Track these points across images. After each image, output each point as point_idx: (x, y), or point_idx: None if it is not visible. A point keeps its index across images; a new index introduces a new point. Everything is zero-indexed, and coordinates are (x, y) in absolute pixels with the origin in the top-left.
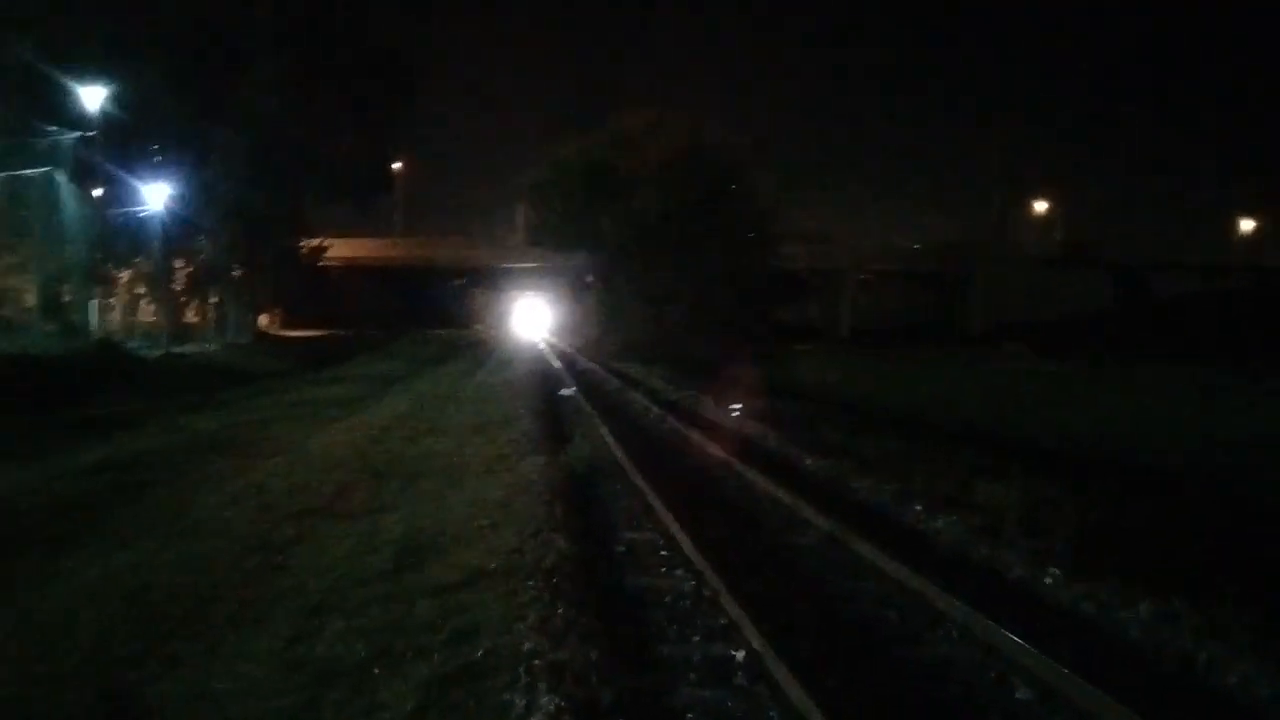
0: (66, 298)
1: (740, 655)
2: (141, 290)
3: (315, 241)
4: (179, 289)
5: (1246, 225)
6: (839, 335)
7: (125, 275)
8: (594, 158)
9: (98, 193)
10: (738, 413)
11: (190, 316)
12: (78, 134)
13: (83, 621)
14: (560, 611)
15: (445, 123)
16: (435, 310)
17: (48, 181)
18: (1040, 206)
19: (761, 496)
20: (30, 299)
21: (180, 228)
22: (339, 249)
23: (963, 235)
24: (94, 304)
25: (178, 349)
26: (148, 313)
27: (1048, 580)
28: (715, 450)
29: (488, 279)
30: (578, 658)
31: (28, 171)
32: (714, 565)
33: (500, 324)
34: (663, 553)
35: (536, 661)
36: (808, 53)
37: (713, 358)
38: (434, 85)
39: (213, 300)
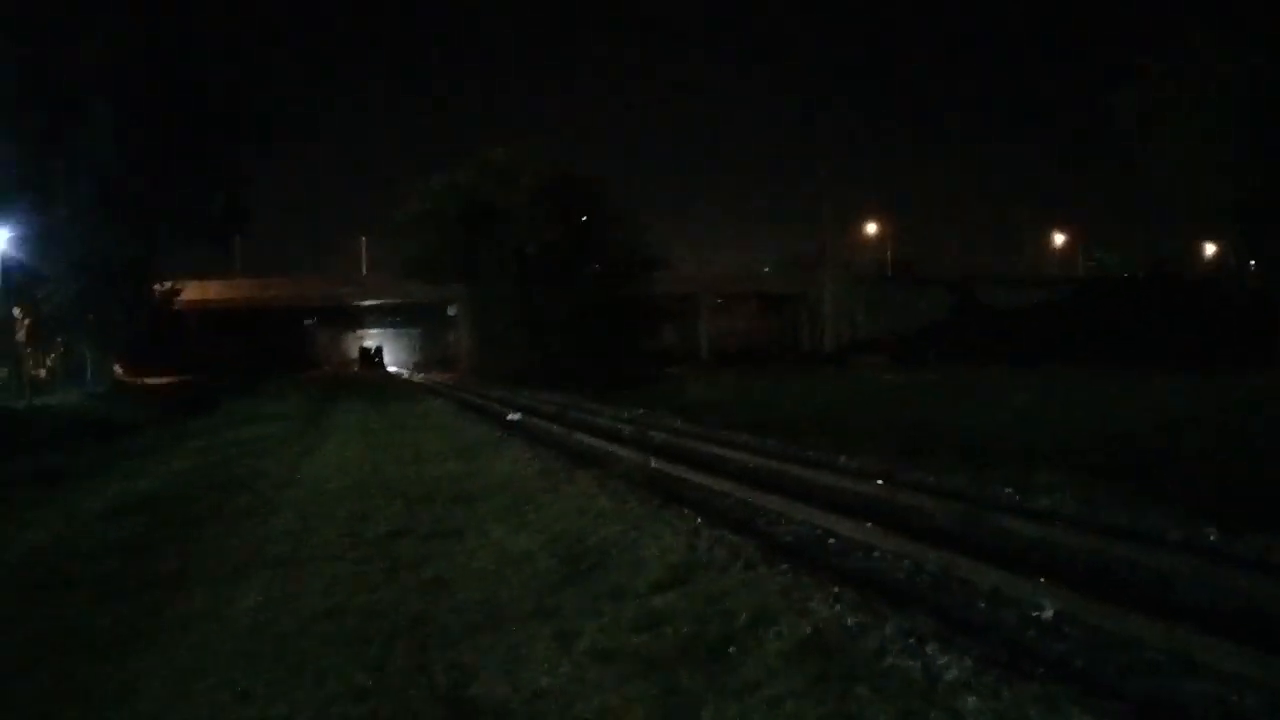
0: None
1: None
2: None
3: (168, 285)
4: (21, 339)
5: (1059, 239)
6: (700, 358)
7: None
8: (467, 189)
9: None
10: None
11: (37, 367)
12: None
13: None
14: None
15: (285, 157)
16: (289, 351)
17: None
18: (870, 227)
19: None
20: None
21: (23, 274)
22: (188, 291)
23: (799, 255)
24: None
25: (39, 400)
26: None
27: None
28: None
29: (340, 317)
30: None
31: None
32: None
33: (362, 362)
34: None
35: None
36: (644, 80)
37: (602, 381)
38: (278, 121)
39: (59, 350)
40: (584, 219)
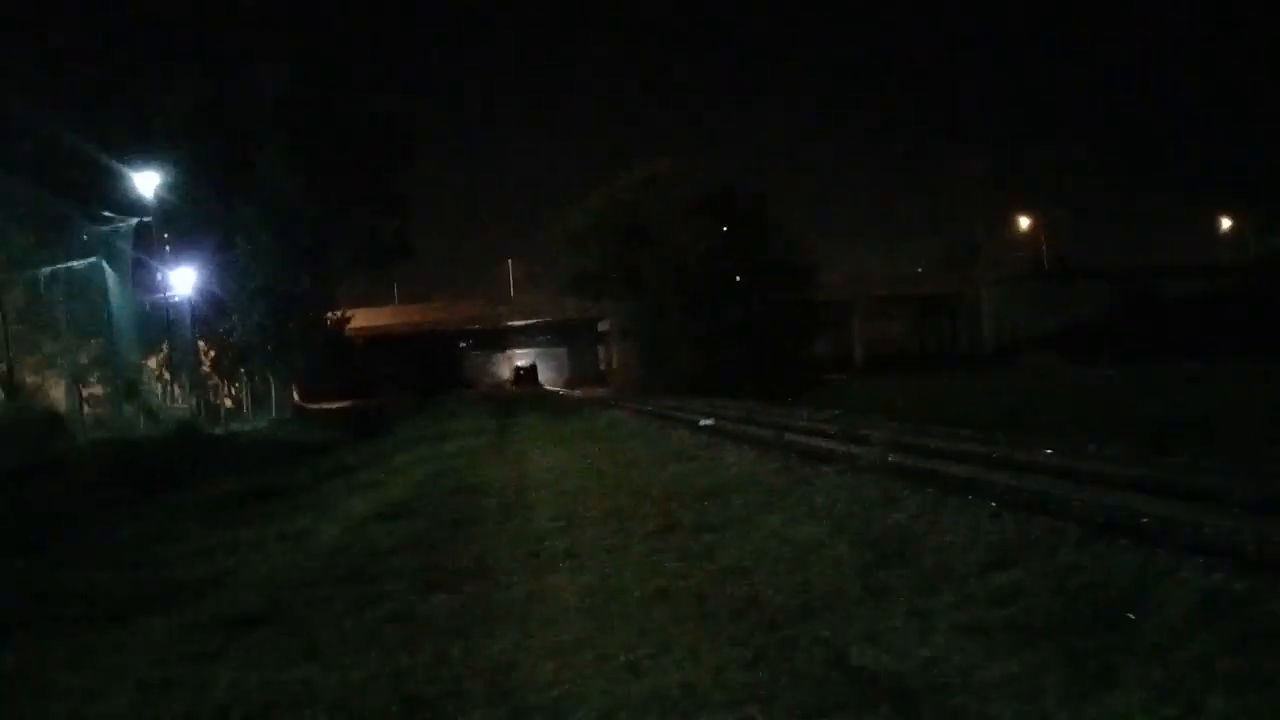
0: (146, 384)
1: None
2: (167, 375)
3: (339, 313)
4: (207, 370)
5: (1225, 224)
6: (854, 364)
7: (152, 361)
8: (627, 205)
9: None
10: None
11: (222, 396)
12: (135, 220)
13: None
14: None
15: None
16: (445, 373)
17: (94, 271)
18: (1024, 222)
19: None
20: (57, 392)
21: (210, 309)
22: (356, 319)
23: (952, 255)
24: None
25: (235, 427)
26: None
27: None
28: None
29: (490, 338)
30: None
31: (76, 264)
32: None
33: (517, 379)
34: None
35: None
36: (786, 84)
37: (765, 389)
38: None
39: (243, 379)
40: (742, 230)
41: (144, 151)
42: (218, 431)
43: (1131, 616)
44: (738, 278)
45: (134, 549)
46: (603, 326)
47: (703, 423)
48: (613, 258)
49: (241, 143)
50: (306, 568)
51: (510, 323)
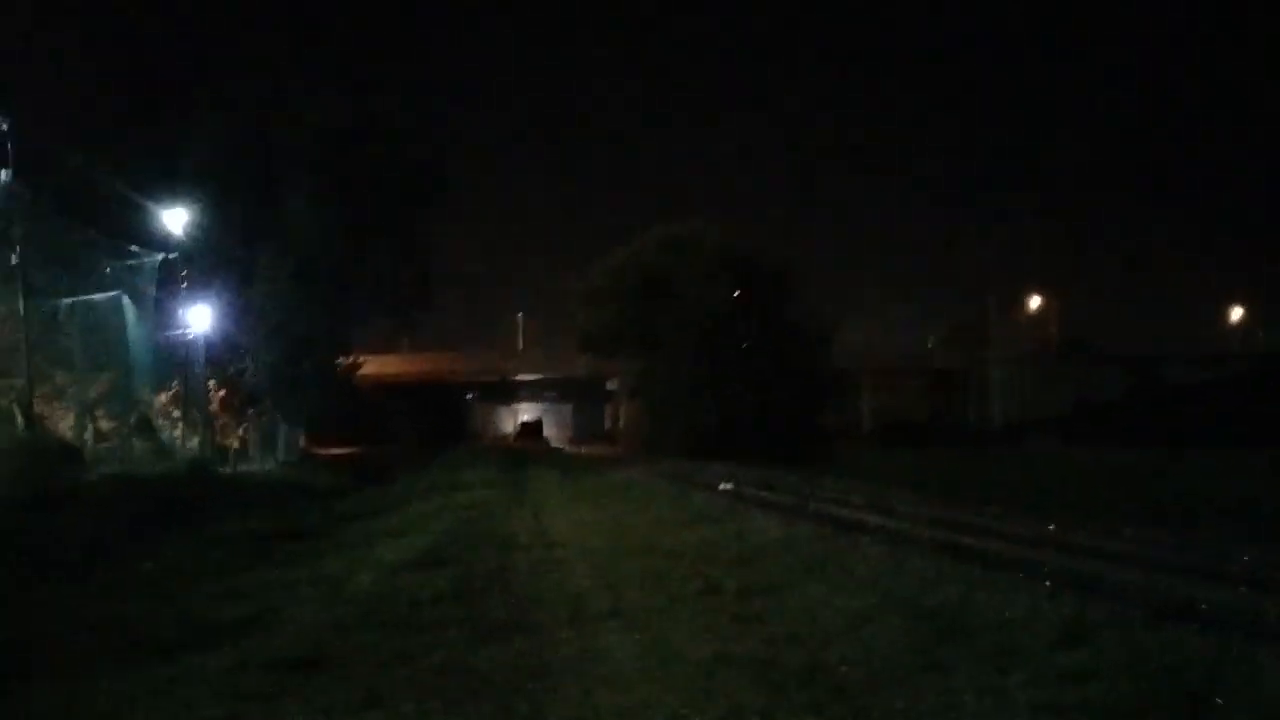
0: (159, 420)
1: None
2: (176, 413)
3: (352, 359)
4: (215, 409)
5: (1236, 313)
6: (860, 433)
7: (162, 397)
8: (645, 263)
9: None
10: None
11: (230, 436)
12: (161, 256)
13: None
14: None
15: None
16: (451, 423)
17: (114, 305)
18: (1034, 302)
19: None
20: (64, 424)
21: (223, 348)
22: (366, 366)
23: (959, 327)
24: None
25: (243, 468)
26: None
27: None
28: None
29: (495, 392)
30: None
31: (97, 296)
32: None
33: (523, 434)
34: None
35: None
36: (808, 149)
37: (776, 454)
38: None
39: (251, 420)
40: (763, 293)
41: (169, 188)
42: (227, 471)
43: (1220, 701)
44: (755, 341)
45: (164, 584)
46: (611, 385)
47: (722, 486)
48: (630, 315)
49: (268, 183)
50: (346, 613)
51: (517, 377)
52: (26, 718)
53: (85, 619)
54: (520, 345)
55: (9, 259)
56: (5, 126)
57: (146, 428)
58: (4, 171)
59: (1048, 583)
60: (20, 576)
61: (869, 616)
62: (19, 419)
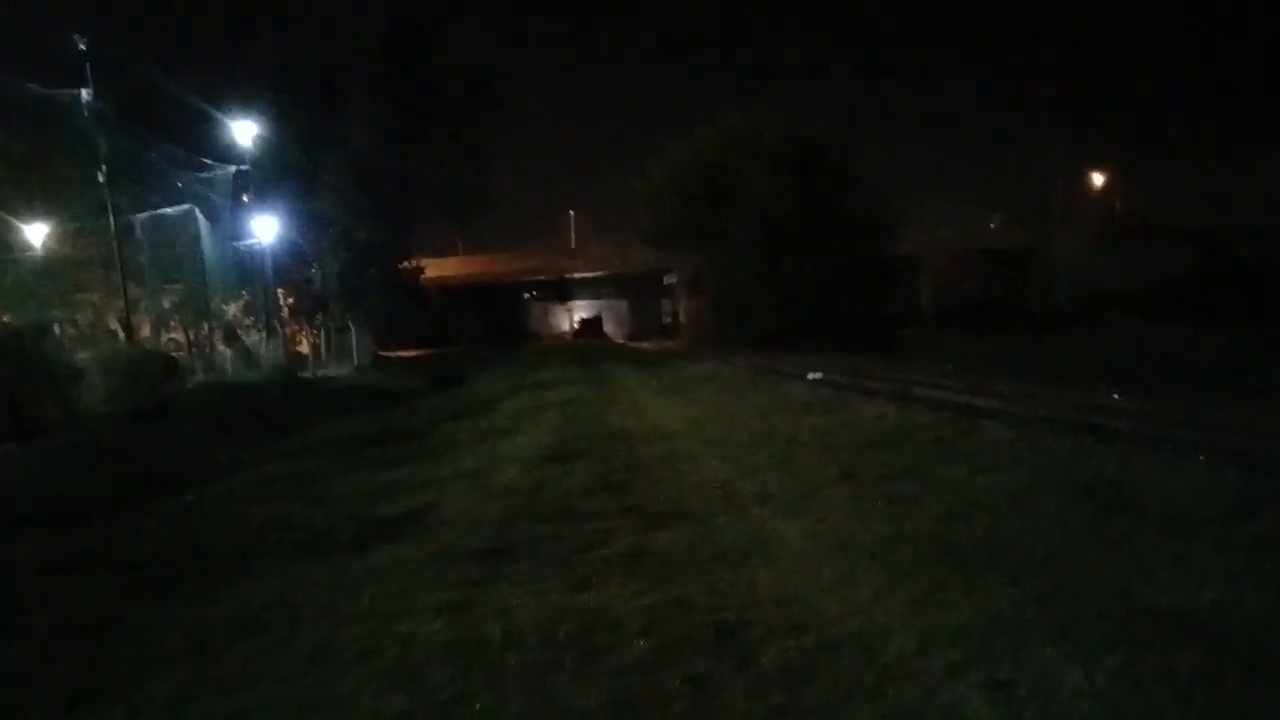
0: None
1: None
2: (248, 321)
3: (415, 263)
4: (285, 317)
5: None
6: (924, 320)
7: (232, 307)
8: (709, 157)
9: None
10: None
11: (299, 343)
12: (234, 168)
13: None
14: None
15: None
16: (509, 323)
17: (188, 218)
18: (1098, 179)
19: None
20: (142, 338)
21: (291, 257)
22: (429, 269)
23: (1023, 209)
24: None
25: (320, 373)
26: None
27: None
28: None
29: (551, 291)
30: None
31: (169, 210)
32: None
33: (583, 330)
34: None
35: None
36: (853, 41)
37: (844, 344)
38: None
39: (320, 325)
40: (827, 183)
41: (236, 102)
42: (308, 376)
43: None
44: (820, 231)
45: (302, 486)
46: (669, 280)
47: (810, 376)
48: (693, 210)
49: (327, 93)
50: (507, 506)
51: (573, 275)
52: (246, 609)
53: (249, 521)
54: (573, 243)
55: (92, 175)
56: (84, 46)
57: (233, 336)
58: (85, 90)
59: (1201, 457)
60: (153, 484)
61: (1026, 494)
62: (120, 333)
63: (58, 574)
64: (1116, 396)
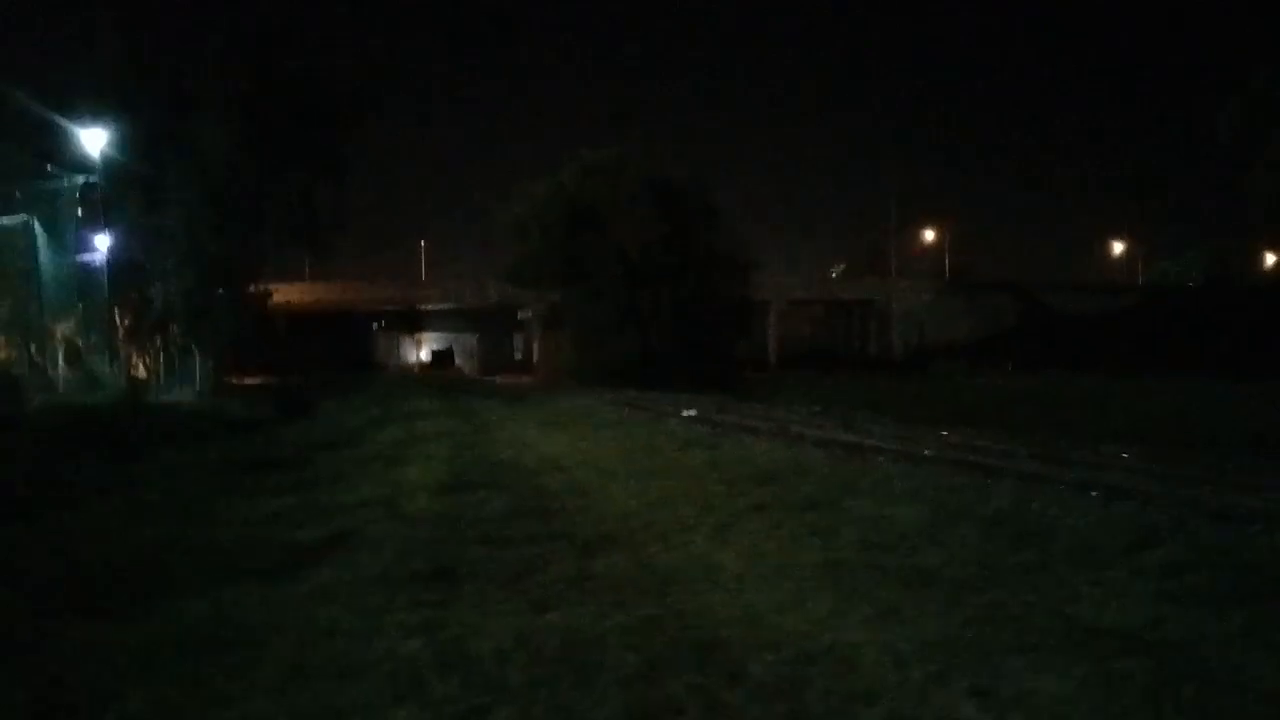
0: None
1: None
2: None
3: (263, 287)
4: (121, 339)
5: (1118, 248)
6: (767, 361)
7: (59, 328)
8: (570, 192)
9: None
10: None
11: (134, 365)
12: (83, 178)
13: None
14: None
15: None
16: (356, 353)
17: (22, 230)
18: (928, 234)
19: None
20: None
21: (130, 274)
22: (276, 294)
23: (855, 265)
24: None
25: (161, 398)
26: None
27: None
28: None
29: (400, 321)
30: None
31: (4, 220)
32: None
33: (433, 363)
34: None
35: None
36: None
37: (698, 381)
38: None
39: (158, 349)
40: (685, 220)
41: (76, 104)
42: (153, 400)
43: None
44: (679, 268)
45: (193, 512)
46: (523, 315)
47: (685, 413)
48: (554, 244)
49: (176, 98)
50: (430, 532)
51: (424, 306)
52: (188, 627)
53: (144, 542)
54: (423, 274)
55: None
56: None
57: (75, 356)
58: None
59: (1094, 493)
60: (18, 502)
61: (937, 525)
62: None
63: None
64: (970, 434)
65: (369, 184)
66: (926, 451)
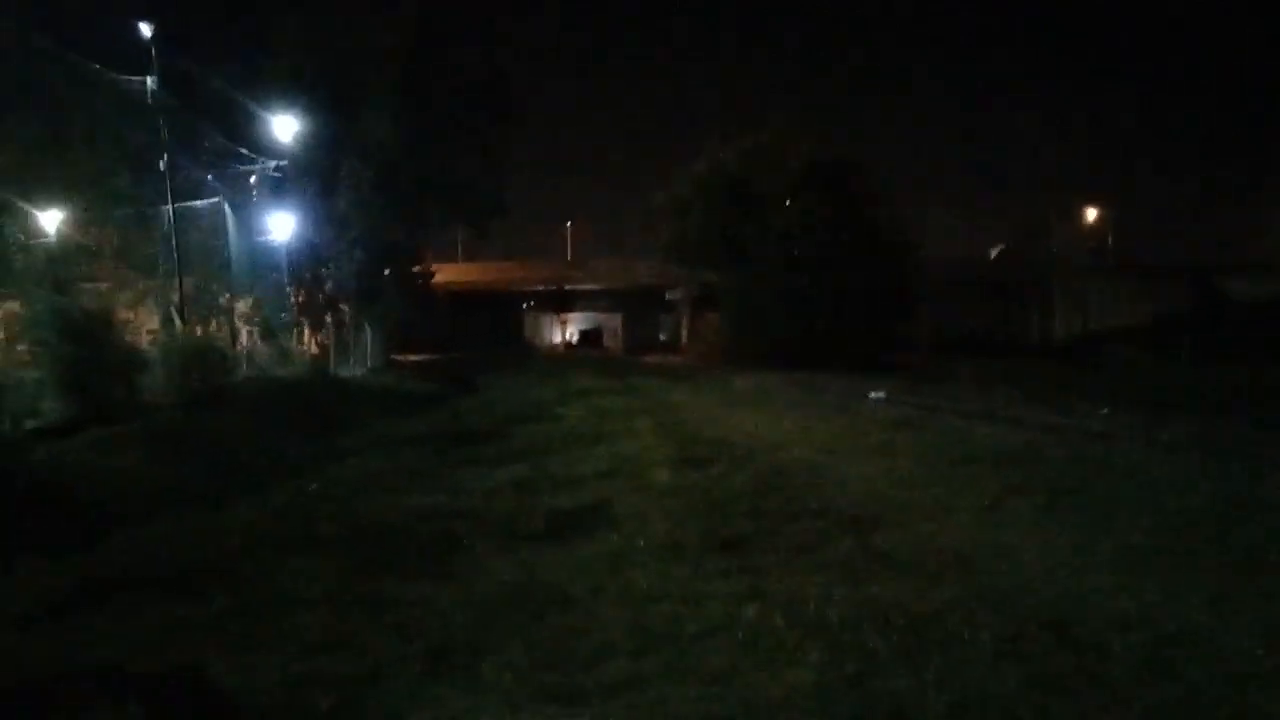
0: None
1: None
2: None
3: (427, 267)
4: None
5: None
6: (920, 345)
7: (239, 304)
8: (731, 172)
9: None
10: None
11: (308, 343)
12: (273, 163)
13: None
14: None
15: None
16: (507, 332)
17: (214, 211)
18: (1090, 214)
19: None
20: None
21: (306, 255)
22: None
23: (1014, 245)
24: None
25: (339, 374)
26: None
27: None
28: None
29: (548, 301)
30: None
31: (199, 203)
32: None
33: (582, 342)
34: None
35: None
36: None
37: (859, 364)
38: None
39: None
40: (849, 201)
41: (262, 93)
42: (340, 376)
43: None
44: (841, 250)
45: (429, 479)
46: (671, 295)
47: (873, 395)
48: (714, 223)
49: (352, 89)
50: (685, 504)
51: (572, 287)
52: (516, 586)
53: (400, 510)
54: (569, 255)
55: (110, 164)
56: (149, 34)
57: (270, 333)
58: (150, 78)
59: None
60: (254, 472)
61: (1228, 512)
62: (177, 322)
63: (289, 554)
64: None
65: (517, 168)
66: (1164, 437)
